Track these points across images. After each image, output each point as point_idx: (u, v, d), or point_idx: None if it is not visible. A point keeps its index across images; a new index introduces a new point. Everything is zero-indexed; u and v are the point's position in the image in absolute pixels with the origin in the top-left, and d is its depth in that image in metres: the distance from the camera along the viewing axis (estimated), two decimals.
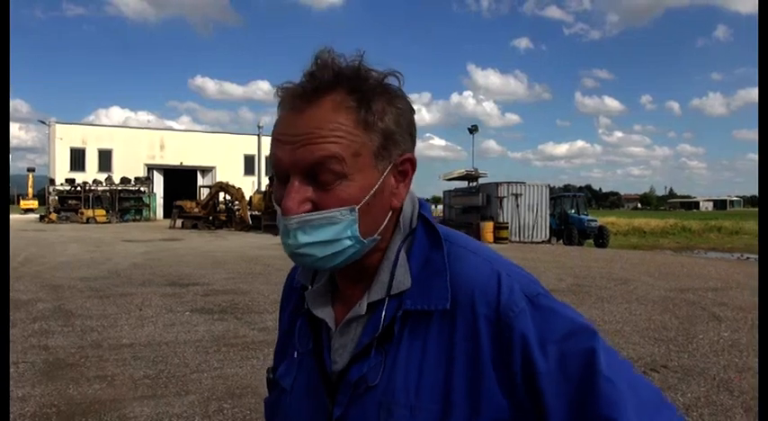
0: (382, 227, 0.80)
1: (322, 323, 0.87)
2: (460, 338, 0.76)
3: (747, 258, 19.52)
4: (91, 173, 42.24)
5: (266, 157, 44.71)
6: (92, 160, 44.24)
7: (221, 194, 31.64)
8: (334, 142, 0.74)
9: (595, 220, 24.86)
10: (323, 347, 0.86)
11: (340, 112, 0.75)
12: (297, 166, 0.75)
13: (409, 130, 0.81)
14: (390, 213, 0.81)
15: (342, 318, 0.84)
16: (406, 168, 0.82)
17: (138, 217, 39.37)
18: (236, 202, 30.75)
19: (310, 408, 0.85)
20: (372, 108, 0.76)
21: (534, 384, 0.73)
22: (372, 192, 0.77)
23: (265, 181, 33.80)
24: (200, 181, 46.17)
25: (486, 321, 0.76)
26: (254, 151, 45.87)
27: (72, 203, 37.48)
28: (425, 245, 0.83)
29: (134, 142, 45.79)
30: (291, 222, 0.75)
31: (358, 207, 0.76)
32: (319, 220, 0.75)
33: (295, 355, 0.90)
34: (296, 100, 0.77)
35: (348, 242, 0.77)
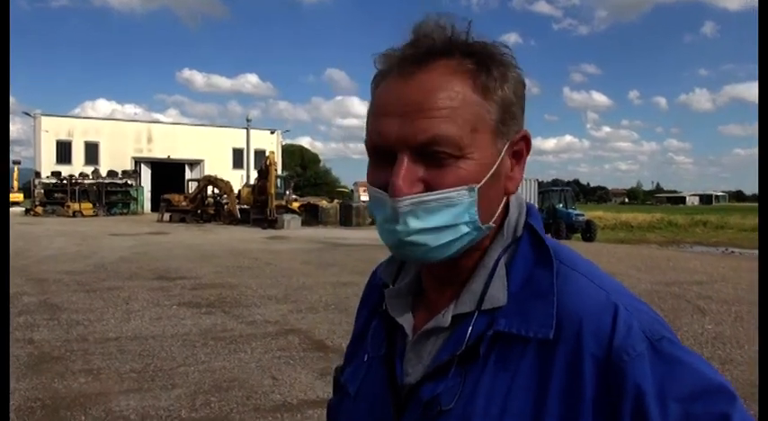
0: (497, 214, 0.72)
1: (399, 327, 0.77)
2: (558, 376, 0.64)
3: (732, 252, 19.76)
4: (77, 166, 41.83)
5: (255, 151, 44.50)
6: (78, 153, 43.81)
7: (209, 188, 31.47)
8: (450, 117, 0.65)
9: (583, 215, 25.01)
10: (396, 355, 0.77)
11: (456, 76, 0.67)
12: (407, 143, 0.66)
13: (522, 105, 0.72)
14: (504, 200, 0.73)
15: (421, 325, 0.75)
16: (521, 148, 0.73)
17: (125, 210, 39.06)
18: (225, 196, 30.60)
19: (373, 420, 0.77)
20: (493, 72, 0.68)
21: None
22: (491, 171, 0.68)
23: (254, 174, 33.65)
24: (188, 174, 45.86)
25: (592, 361, 0.63)
26: (242, 145, 45.58)
27: (58, 196, 37.10)
28: (530, 259, 0.71)
29: (121, 135, 45.38)
30: (403, 204, 0.65)
31: (478, 186, 0.67)
32: (435, 201, 0.66)
33: (365, 358, 0.82)
34: (406, 63, 0.67)
35: (465, 228, 0.68)
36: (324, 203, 30.88)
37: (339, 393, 0.88)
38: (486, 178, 0.68)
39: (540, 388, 0.65)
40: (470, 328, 0.69)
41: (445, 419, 0.68)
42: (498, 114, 0.69)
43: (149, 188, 44.69)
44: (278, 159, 39.00)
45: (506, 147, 0.70)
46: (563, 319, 0.66)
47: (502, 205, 0.73)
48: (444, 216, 0.66)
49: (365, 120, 0.73)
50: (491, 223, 0.71)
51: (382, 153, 0.69)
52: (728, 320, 7.36)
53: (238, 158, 47.43)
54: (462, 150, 0.66)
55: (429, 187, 0.66)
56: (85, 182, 38.15)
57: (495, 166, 0.69)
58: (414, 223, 0.66)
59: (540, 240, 0.73)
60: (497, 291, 0.70)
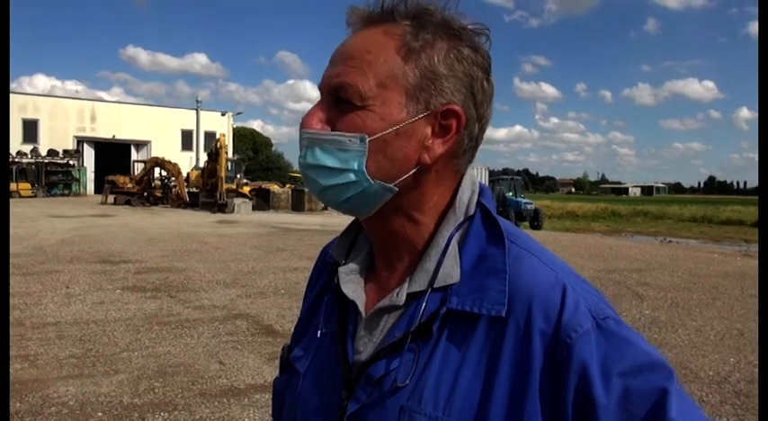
0: (402, 178, 0.71)
1: (350, 304, 0.78)
2: (508, 352, 0.66)
3: (670, 241, 20.65)
4: (14, 144, 39.74)
5: (205, 133, 43.43)
6: (15, 130, 41.62)
7: (157, 170, 30.57)
8: (360, 69, 0.69)
9: (531, 203, 25.56)
10: (347, 332, 0.77)
11: (387, 36, 0.70)
12: (325, 86, 0.72)
13: (469, 85, 0.71)
14: (417, 168, 0.71)
15: (372, 303, 0.76)
16: (450, 123, 0.71)
17: (66, 192, 37.53)
18: (173, 179, 29.79)
19: (322, 397, 0.77)
20: (420, 36, 0.70)
21: (588, 419, 0.63)
22: (392, 129, 0.69)
23: (203, 157, 32.87)
24: (134, 155, 44.40)
25: (541, 338, 0.66)
26: (191, 126, 44.44)
27: None
28: (483, 237, 0.73)
29: (62, 113, 43.44)
30: (303, 137, 0.72)
31: (370, 139, 0.69)
32: (327, 142, 0.70)
33: (318, 334, 0.81)
34: (356, 20, 0.73)
35: (353, 176, 0.70)
36: (275, 188, 30.49)
37: (287, 371, 0.87)
38: (383, 133, 0.69)
39: (491, 363, 0.67)
40: (424, 305, 0.70)
41: (398, 395, 0.69)
42: (417, 79, 0.70)
43: (93, 169, 42.96)
44: (229, 142, 38.22)
45: (425, 114, 0.70)
46: (514, 297, 0.68)
47: (413, 172, 0.71)
48: (334, 158, 0.70)
49: None
50: (393, 186, 0.71)
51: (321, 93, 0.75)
52: (664, 306, 7.71)
53: (187, 140, 46.21)
54: (364, 101, 0.69)
55: (334, 130, 0.71)
56: (23, 161, 36.39)
57: (399, 126, 0.69)
58: (309, 158, 0.72)
59: (492, 219, 0.74)
60: (450, 268, 0.70)
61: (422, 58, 0.69)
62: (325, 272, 0.89)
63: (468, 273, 0.70)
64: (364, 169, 0.69)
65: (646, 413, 0.62)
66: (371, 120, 0.69)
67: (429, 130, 0.71)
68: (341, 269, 0.81)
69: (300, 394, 0.80)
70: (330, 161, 0.70)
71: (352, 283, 0.79)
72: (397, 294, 0.73)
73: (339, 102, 0.70)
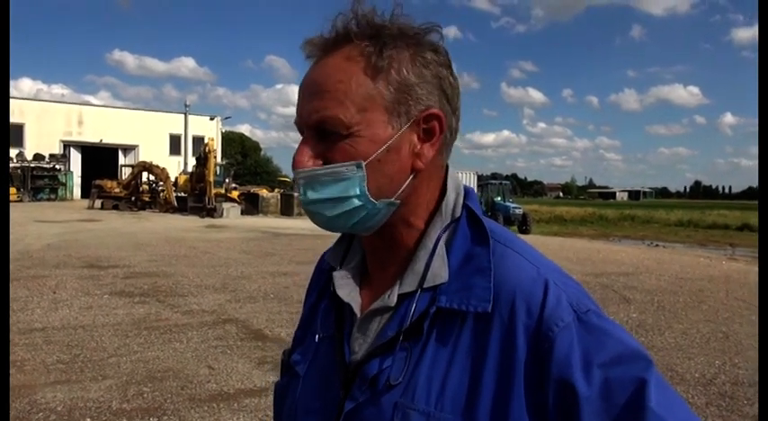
0: (402, 190, 0.74)
1: (346, 307, 0.81)
2: (494, 346, 0.69)
3: (657, 245, 20.83)
4: None
5: (193, 137, 43.24)
6: None
7: (145, 174, 30.37)
8: (338, 99, 0.70)
9: (520, 208, 25.67)
10: (344, 334, 0.80)
11: (351, 60, 0.72)
12: (306, 122, 0.73)
13: (439, 86, 0.74)
14: (413, 176, 0.75)
15: (367, 305, 0.79)
16: (433, 126, 0.74)
17: (52, 196, 37.18)
18: (161, 183, 29.62)
19: (321, 398, 0.80)
20: (385, 53, 0.71)
21: (570, 410, 0.65)
22: (384, 148, 0.72)
23: (192, 161, 32.72)
24: (121, 160, 44.07)
25: (524, 331, 0.68)
26: (180, 130, 44.20)
27: None
28: (469, 238, 0.75)
29: (49, 117, 42.95)
30: (299, 177, 0.73)
31: (365, 163, 0.71)
32: (325, 176, 0.72)
33: (316, 339, 0.84)
34: (314, 50, 0.75)
35: (357, 201, 0.72)
36: (264, 192, 30.39)
37: (287, 375, 0.89)
38: (375, 154, 0.72)
39: (478, 357, 0.69)
40: (414, 306, 0.73)
41: (392, 393, 0.71)
42: (393, 94, 0.72)
43: (79, 173, 42.52)
44: (217, 146, 38.08)
45: (408, 125, 0.73)
46: (499, 293, 0.70)
47: (409, 180, 0.75)
48: (334, 189, 0.72)
49: None
50: (394, 199, 0.74)
51: (299, 128, 0.76)
52: (651, 309, 7.79)
53: (175, 144, 45.91)
54: (349, 129, 0.71)
55: (327, 163, 0.73)
56: (9, 165, 36.05)
57: (387, 144, 0.72)
58: (310, 194, 0.73)
59: (477, 220, 0.77)
60: (439, 269, 0.73)
61: (392, 74, 0.72)
62: (322, 277, 0.91)
63: (455, 272, 0.73)
64: (366, 192, 0.72)
65: (624, 402, 0.63)
66: (362, 145, 0.71)
67: (415, 138, 0.74)
68: (336, 274, 0.83)
69: (300, 396, 0.83)
70: (331, 192, 0.72)
71: (347, 287, 0.81)
72: (389, 296, 0.76)
73: (324, 134, 0.72)
